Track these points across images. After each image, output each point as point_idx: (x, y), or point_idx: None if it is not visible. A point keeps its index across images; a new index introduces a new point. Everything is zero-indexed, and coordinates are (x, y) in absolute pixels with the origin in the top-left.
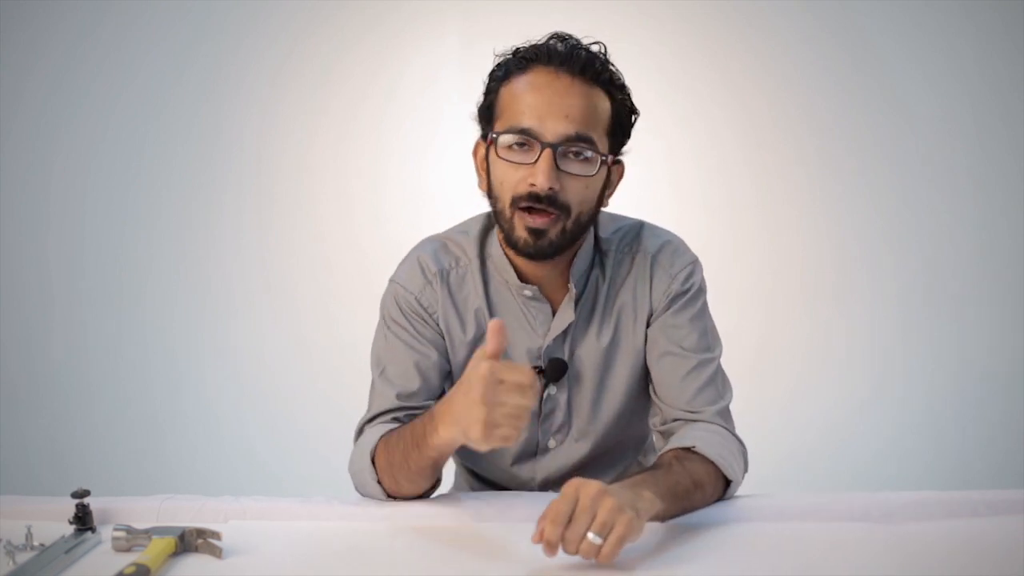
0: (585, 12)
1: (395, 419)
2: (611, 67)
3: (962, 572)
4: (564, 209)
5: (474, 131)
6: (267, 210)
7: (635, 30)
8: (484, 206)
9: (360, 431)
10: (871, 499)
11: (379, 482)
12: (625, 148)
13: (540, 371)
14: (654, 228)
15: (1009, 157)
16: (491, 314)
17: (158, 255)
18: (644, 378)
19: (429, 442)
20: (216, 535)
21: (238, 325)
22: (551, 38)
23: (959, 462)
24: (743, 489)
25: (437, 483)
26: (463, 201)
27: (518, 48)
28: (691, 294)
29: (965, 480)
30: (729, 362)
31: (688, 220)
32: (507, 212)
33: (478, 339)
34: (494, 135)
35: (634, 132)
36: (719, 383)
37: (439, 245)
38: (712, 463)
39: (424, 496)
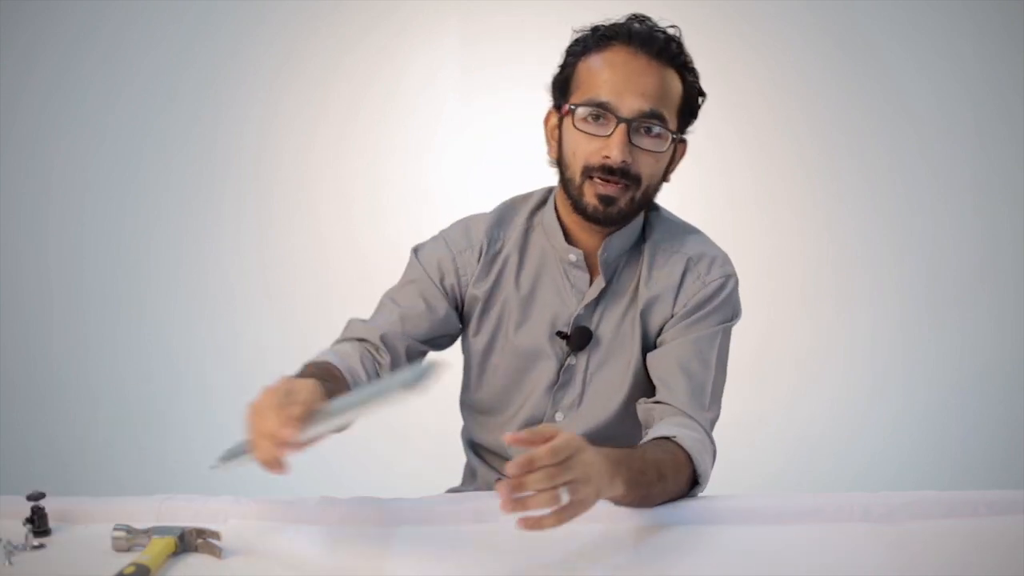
0: (584, 12)
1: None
2: (685, 50)
3: (962, 572)
4: (635, 180)
5: (474, 130)
6: (267, 210)
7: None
8: (485, 204)
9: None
10: (871, 499)
11: None
12: (691, 128)
13: (566, 337)
14: (704, 237)
15: (1010, 157)
16: (527, 278)
17: (158, 255)
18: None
19: None
20: (216, 535)
21: (238, 325)
22: (630, 19)
23: (959, 462)
24: (745, 488)
25: None
26: (463, 201)
27: (598, 26)
28: (715, 305)
29: (965, 480)
30: (730, 363)
31: (688, 220)
32: (577, 179)
33: (494, 289)
34: (572, 106)
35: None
36: (710, 392)
37: (493, 217)
38: (690, 459)
39: None
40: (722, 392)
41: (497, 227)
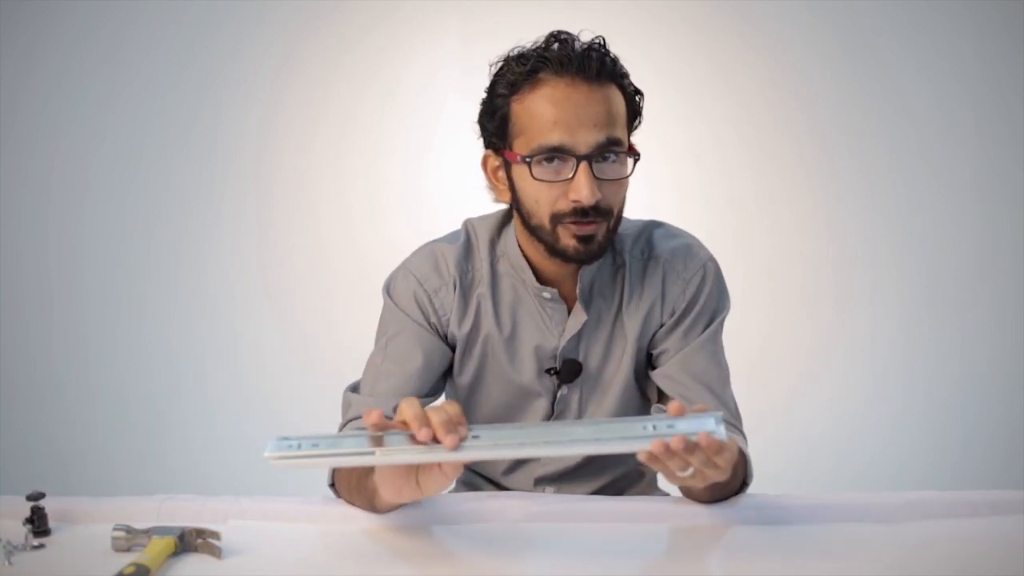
0: (584, 12)
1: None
2: (617, 59)
3: (962, 572)
4: (608, 214)
5: (474, 130)
6: (267, 211)
7: (635, 30)
8: (485, 204)
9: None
10: (871, 499)
11: (332, 486)
12: (635, 125)
13: (555, 372)
14: (668, 229)
15: (1010, 157)
16: (506, 315)
17: (158, 255)
18: (644, 380)
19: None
20: (216, 535)
21: (238, 325)
22: (551, 41)
23: (959, 462)
24: None
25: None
26: (463, 201)
27: (520, 55)
28: (704, 300)
29: (965, 480)
30: (730, 363)
31: (689, 220)
32: (547, 226)
33: (474, 331)
34: (526, 159)
35: (635, 133)
36: (731, 403)
37: (460, 248)
38: (745, 462)
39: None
40: (731, 390)
41: (465, 259)
